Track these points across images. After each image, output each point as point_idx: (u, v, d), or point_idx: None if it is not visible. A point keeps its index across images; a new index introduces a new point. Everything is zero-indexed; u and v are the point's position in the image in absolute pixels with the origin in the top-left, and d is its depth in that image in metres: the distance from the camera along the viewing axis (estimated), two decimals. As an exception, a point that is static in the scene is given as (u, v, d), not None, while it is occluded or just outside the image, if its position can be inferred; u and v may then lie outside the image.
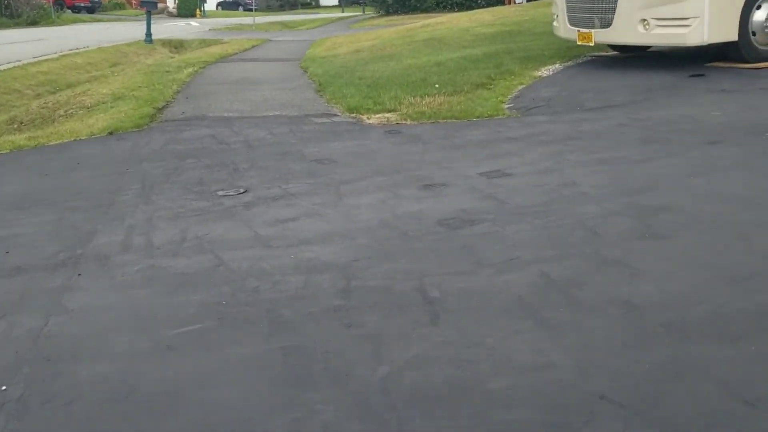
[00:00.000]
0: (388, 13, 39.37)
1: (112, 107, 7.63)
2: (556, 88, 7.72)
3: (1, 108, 11.08)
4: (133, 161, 5.46)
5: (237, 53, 17.96)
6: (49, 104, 8.65)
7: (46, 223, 4.10)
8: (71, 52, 19.24)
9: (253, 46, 20.75)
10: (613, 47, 9.51)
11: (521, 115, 6.72)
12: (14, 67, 15.22)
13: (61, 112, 8.06)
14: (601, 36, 8.30)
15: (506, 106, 7.16)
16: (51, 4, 41.21)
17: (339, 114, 7.29)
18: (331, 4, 79.01)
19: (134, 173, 5.11)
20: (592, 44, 8.52)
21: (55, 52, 18.80)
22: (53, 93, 13.28)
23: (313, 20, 43.89)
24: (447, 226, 3.64)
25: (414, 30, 16.80)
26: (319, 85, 9.29)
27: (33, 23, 36.62)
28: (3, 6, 37.27)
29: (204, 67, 12.73)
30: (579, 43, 8.60)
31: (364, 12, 58.56)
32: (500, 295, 2.81)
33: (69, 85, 14.27)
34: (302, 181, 4.70)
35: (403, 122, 6.65)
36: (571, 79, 8.23)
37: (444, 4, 37.77)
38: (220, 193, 4.52)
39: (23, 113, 8.58)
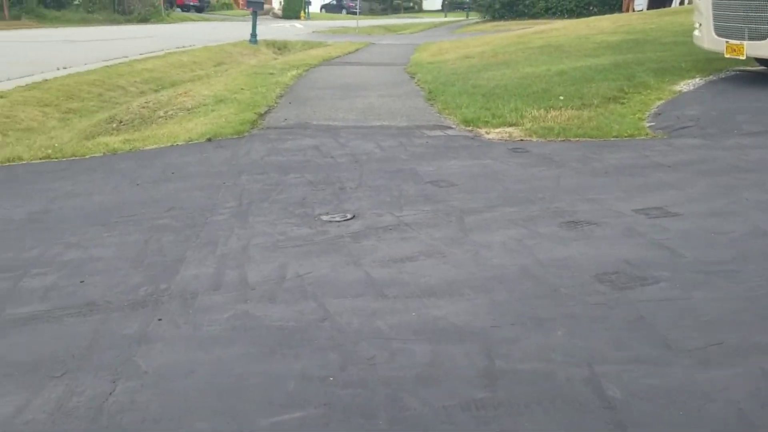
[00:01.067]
0: (493, 19, 38.29)
1: (212, 110, 7.23)
2: (703, 106, 6.73)
3: (104, 105, 11.01)
4: (231, 173, 4.94)
5: (340, 56, 17.58)
6: (150, 104, 8.37)
7: (131, 245, 3.59)
8: (177, 50, 19.42)
9: (357, 49, 20.37)
10: (761, 61, 8.38)
11: (668, 136, 5.81)
12: (121, 63, 15.36)
13: (161, 113, 7.74)
14: (755, 49, 7.24)
15: (647, 124, 6.25)
16: (162, 2, 42.60)
17: (453, 126, 6.59)
18: (433, 8, 78.57)
19: (231, 188, 4.58)
20: (742, 57, 7.47)
21: (162, 50, 19.01)
22: (156, 91, 13.22)
23: (416, 24, 43.44)
24: (610, 283, 2.87)
25: (526, 36, 15.91)
26: (429, 92, 8.62)
27: (144, 20, 37.86)
28: (116, 2, 38.74)
29: (307, 70, 12.32)
30: (727, 55, 7.55)
31: (467, 17, 57.68)
32: (711, 403, 2.02)
33: (173, 84, 14.22)
34: (418, 208, 4.03)
35: (528, 139, 5.88)
36: (719, 95, 7.20)
37: (553, 10, 36.38)
38: (325, 217, 3.91)
39: (123, 112, 8.33)
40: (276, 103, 7.88)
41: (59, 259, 3.45)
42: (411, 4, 76.72)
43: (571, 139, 5.79)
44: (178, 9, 48.46)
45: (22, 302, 2.96)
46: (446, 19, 53.55)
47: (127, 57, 16.81)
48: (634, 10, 22.41)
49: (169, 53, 18.32)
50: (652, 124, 6.26)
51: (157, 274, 3.19)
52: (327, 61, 15.48)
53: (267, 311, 2.77)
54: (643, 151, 5.22)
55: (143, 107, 8.27)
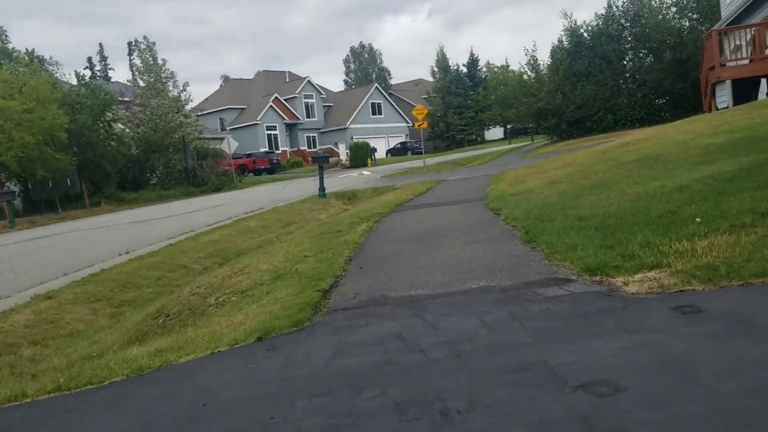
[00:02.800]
0: (561, 139, 37.32)
1: (268, 292, 5.92)
2: None
3: (162, 289, 9.97)
4: (281, 399, 3.46)
5: (411, 199, 16.51)
6: (202, 289, 7.18)
7: None
8: (245, 215, 18.88)
9: (428, 189, 19.36)
10: None
11: None
12: (187, 238, 14.66)
13: (212, 299, 6.50)
14: None
15: None
16: (234, 169, 43.78)
17: (574, 278, 5.00)
18: (496, 138, 79.06)
19: (281, 427, 3.09)
20: None
21: (230, 217, 18.49)
22: (221, 265, 12.25)
23: (482, 155, 42.94)
24: None
25: (611, 151, 14.46)
26: (526, 232, 7.12)
27: (217, 189, 38.66)
28: (190, 176, 39.87)
29: (378, 220, 11.12)
30: None
31: (533, 141, 57.26)
32: None
33: (239, 253, 13.28)
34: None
35: (690, 288, 4.22)
36: None
37: (623, 122, 35.13)
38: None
39: (173, 302, 7.16)
40: (344, 270, 6.52)
41: None
42: (474, 137, 77.45)
43: (752, 281, 4.10)
44: (251, 174, 49.87)
45: None
46: (511, 146, 53.18)
47: (194, 231, 16.20)
48: (717, 108, 20.78)
49: (237, 220, 17.73)
50: None
51: None
52: (399, 207, 14.37)
53: None
54: None
55: (194, 293, 7.09)
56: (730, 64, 20.00)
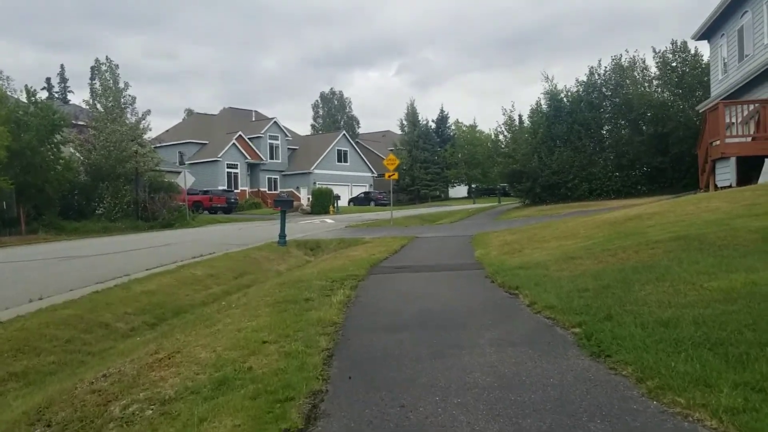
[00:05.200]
0: (534, 203, 35.82)
1: (202, 419, 3.65)
2: None
3: (69, 358, 7.56)
4: None
5: (387, 257, 14.36)
6: (107, 383, 4.85)
7: None
8: (193, 260, 16.42)
9: (402, 246, 17.25)
10: None
11: None
12: (118, 285, 12.18)
13: (117, 410, 4.19)
14: None
15: None
16: (189, 206, 41.10)
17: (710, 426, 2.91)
18: (460, 195, 77.83)
19: None
20: None
21: (175, 261, 16.02)
22: (153, 325, 9.85)
23: (450, 213, 41.21)
24: None
25: (623, 223, 12.60)
26: (586, 338, 5.00)
27: (168, 225, 35.88)
28: (140, 209, 37.03)
29: (356, 287, 8.95)
30: None
31: (500, 202, 55.98)
32: None
33: (177, 311, 10.89)
34: None
35: None
36: None
37: (598, 192, 33.82)
38: None
39: (63, 400, 4.80)
40: (324, 380, 4.28)
41: None
42: (438, 193, 76.09)
43: None
44: (206, 212, 47.18)
45: None
46: (477, 206, 51.72)
47: (129, 275, 13.71)
48: (717, 187, 19.33)
49: (183, 266, 15.27)
50: None
51: None
52: (375, 267, 12.20)
53: None
54: None
55: (94, 391, 4.75)
56: (731, 140, 18.62)
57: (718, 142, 18.32)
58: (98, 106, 39.36)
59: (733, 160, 18.30)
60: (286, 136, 69.21)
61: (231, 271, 15.44)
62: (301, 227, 29.45)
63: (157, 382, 4.57)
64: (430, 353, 4.92)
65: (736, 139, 18.45)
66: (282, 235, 19.92)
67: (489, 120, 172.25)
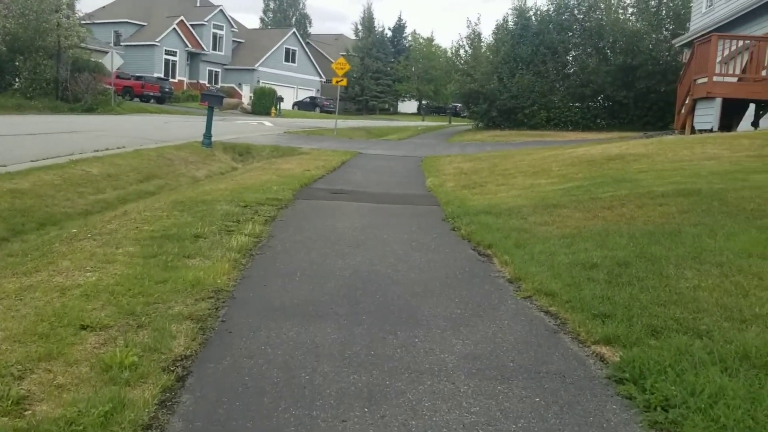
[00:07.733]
0: (488, 127, 33.71)
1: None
2: None
3: None
4: None
5: (324, 175, 12.12)
6: None
7: None
8: (93, 155, 13.72)
9: (343, 163, 15.00)
10: None
11: None
12: (-21, 179, 9.59)
13: None
14: None
15: None
16: (117, 91, 37.40)
17: None
18: (409, 111, 75.10)
19: None
20: None
21: (71, 154, 13.32)
22: (5, 240, 7.46)
23: (399, 129, 38.71)
24: None
25: (605, 164, 10.60)
26: (626, 369, 2.95)
27: (90, 110, 32.37)
28: (61, 89, 33.25)
29: (273, 218, 6.73)
30: None
31: (450, 123, 53.80)
32: None
33: (45, 222, 8.47)
34: None
35: None
36: None
37: (555, 121, 31.93)
38: None
39: None
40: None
41: None
42: (386, 106, 73.14)
43: None
44: (137, 99, 43.35)
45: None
46: (427, 124, 49.40)
47: (4, 166, 11.08)
48: (694, 129, 17.54)
49: (77, 160, 12.61)
50: None
51: None
52: (307, 188, 9.97)
53: None
54: None
55: None
56: (719, 79, 16.69)
57: (705, 80, 16.33)
58: (18, -33, 34.64)
59: (718, 101, 16.45)
60: (232, 27, 64.44)
61: (136, 173, 12.91)
62: (237, 128, 26.68)
63: None
64: (362, 390, 2.78)
65: (726, 78, 16.55)
66: (207, 135, 17.30)
67: (449, 35, 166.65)
